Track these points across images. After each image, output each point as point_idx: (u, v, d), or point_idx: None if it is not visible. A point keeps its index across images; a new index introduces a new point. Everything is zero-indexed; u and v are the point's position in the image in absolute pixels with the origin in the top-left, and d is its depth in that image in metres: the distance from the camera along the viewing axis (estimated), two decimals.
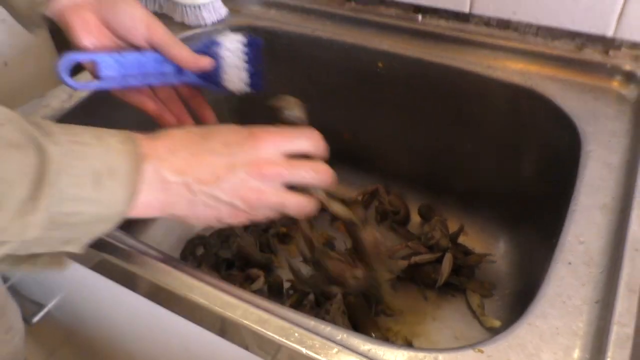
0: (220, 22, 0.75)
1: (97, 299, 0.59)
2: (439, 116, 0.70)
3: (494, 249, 0.70)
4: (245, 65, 0.53)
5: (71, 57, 0.46)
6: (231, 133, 0.39)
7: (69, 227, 0.33)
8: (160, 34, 0.47)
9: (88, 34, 0.46)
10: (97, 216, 0.33)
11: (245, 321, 0.38)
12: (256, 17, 0.76)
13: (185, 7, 0.73)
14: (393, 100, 0.72)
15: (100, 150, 0.33)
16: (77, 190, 0.32)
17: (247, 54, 0.52)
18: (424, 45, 0.67)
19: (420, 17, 0.69)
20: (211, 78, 0.52)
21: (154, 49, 0.48)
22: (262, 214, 0.40)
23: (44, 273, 0.49)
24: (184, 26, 0.74)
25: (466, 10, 0.65)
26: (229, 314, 0.38)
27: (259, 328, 0.37)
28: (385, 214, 0.75)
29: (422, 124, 0.72)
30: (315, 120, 0.80)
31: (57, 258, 0.38)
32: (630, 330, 0.35)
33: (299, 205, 0.40)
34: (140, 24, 0.47)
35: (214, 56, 0.51)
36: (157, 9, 0.76)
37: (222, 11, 0.76)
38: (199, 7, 0.73)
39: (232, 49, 0.51)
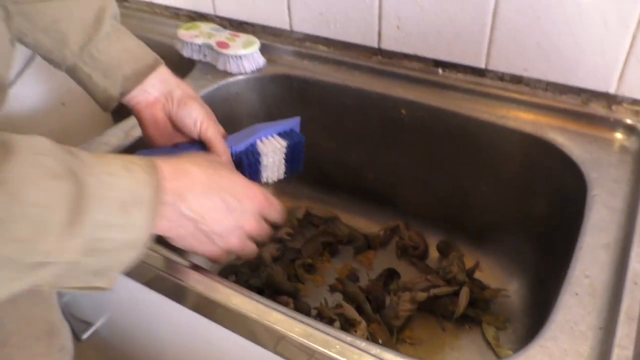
0: (258, 70, 0.83)
1: (145, 316, 0.64)
2: (457, 160, 0.76)
3: (508, 285, 0.75)
4: (284, 162, 0.61)
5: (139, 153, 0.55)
6: (239, 187, 0.49)
7: (102, 254, 0.37)
8: (210, 132, 0.57)
9: (155, 128, 0.58)
10: (125, 242, 0.38)
11: (291, 334, 0.44)
12: (291, 66, 0.84)
13: (228, 57, 0.81)
14: (414, 145, 0.79)
15: (128, 181, 0.38)
16: (109, 217, 0.36)
17: (287, 154, 0.61)
18: (443, 96, 0.74)
19: (440, 70, 0.76)
20: (250, 176, 0.60)
21: (202, 140, 0.58)
22: (228, 256, 0.50)
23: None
24: (226, 74, 0.82)
25: (482, 66, 0.73)
26: (278, 327, 0.44)
27: (306, 341, 0.43)
28: (406, 249, 0.81)
29: (441, 166, 0.78)
30: (342, 161, 0.87)
31: (108, 278, 0.44)
32: (629, 352, 0.41)
33: (252, 250, 0.52)
34: (197, 123, 0.57)
35: (255, 157, 0.59)
36: (202, 58, 0.85)
37: (261, 61, 0.84)
38: (241, 57, 0.81)
39: (273, 153, 0.60)
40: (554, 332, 0.44)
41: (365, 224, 0.86)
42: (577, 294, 0.47)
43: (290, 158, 0.62)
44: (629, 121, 0.64)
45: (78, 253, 0.35)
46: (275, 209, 0.52)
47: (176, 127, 0.59)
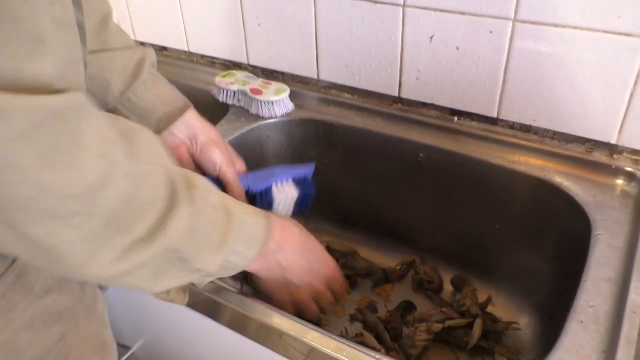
0: (287, 114, 0.91)
1: (183, 337, 0.69)
2: (470, 200, 0.82)
3: (519, 318, 0.79)
4: (293, 207, 0.69)
5: None
6: (321, 255, 0.61)
7: (223, 271, 0.47)
8: (229, 176, 0.66)
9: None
10: (235, 266, 0.48)
11: (327, 349, 0.49)
12: (317, 111, 0.92)
13: (261, 102, 0.89)
14: (431, 185, 0.85)
15: (255, 222, 0.49)
16: (239, 247, 0.47)
17: (297, 201, 0.69)
18: (458, 142, 0.81)
19: (456, 118, 0.83)
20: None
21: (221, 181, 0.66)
22: (293, 309, 0.61)
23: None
24: (258, 118, 0.90)
25: (495, 115, 0.80)
26: (315, 344, 0.50)
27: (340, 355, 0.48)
28: (421, 283, 0.86)
29: (455, 206, 0.84)
30: (362, 199, 0.93)
31: (184, 294, 0.52)
32: None
33: (314, 311, 0.63)
34: (216, 167, 0.66)
35: (269, 200, 0.67)
36: (236, 103, 0.93)
37: (290, 106, 0.92)
38: (272, 103, 0.89)
39: (285, 201, 0.69)
40: (562, 355, 0.49)
41: (383, 259, 0.92)
42: (582, 322, 0.52)
43: (299, 204, 0.70)
44: (629, 169, 0.70)
45: (216, 267, 0.45)
46: (341, 283, 0.63)
47: (199, 167, 0.67)
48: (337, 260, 0.91)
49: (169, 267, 0.41)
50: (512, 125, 0.79)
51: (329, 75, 0.93)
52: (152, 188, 0.38)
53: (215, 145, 0.66)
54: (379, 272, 0.89)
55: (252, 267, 0.52)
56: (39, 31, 0.31)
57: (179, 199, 0.40)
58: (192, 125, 0.66)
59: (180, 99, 0.67)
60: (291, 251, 0.55)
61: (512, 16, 0.71)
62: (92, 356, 0.59)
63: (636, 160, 0.71)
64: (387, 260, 0.91)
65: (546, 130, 0.77)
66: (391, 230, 0.93)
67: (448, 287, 0.86)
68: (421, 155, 0.83)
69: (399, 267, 0.89)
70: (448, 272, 0.87)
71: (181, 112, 0.66)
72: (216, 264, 0.45)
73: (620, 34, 0.65)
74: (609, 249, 0.60)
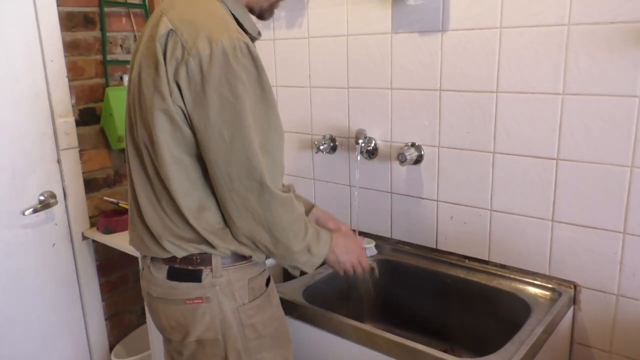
0: (372, 256, 1.63)
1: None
2: (471, 304, 1.46)
3: None
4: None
5: None
6: (355, 245, 1.28)
7: (314, 259, 1.15)
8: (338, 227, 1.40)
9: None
10: (314, 262, 1.16)
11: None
12: (389, 254, 1.64)
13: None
14: (451, 297, 1.50)
15: (326, 235, 1.18)
16: (318, 249, 1.15)
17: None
18: (467, 273, 1.49)
19: (467, 260, 1.52)
20: None
21: None
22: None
23: None
24: None
25: (487, 258, 1.48)
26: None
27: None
28: None
29: (464, 310, 1.48)
30: (413, 306, 1.59)
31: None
32: None
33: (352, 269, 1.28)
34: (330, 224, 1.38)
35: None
36: None
37: (375, 251, 1.64)
38: (366, 248, 1.62)
39: None
40: None
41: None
42: None
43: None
44: (552, 286, 1.35)
45: (310, 257, 1.14)
46: (365, 263, 1.29)
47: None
48: None
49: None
50: (496, 264, 1.47)
51: (397, 234, 1.66)
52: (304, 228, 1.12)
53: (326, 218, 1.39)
54: None
55: (328, 257, 1.18)
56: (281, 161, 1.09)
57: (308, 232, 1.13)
58: (317, 213, 1.38)
59: (309, 203, 1.41)
60: (342, 244, 1.22)
61: (489, 206, 1.44)
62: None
63: (558, 282, 1.36)
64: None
65: (513, 267, 1.44)
66: (424, 326, 1.56)
67: None
68: (447, 280, 1.51)
69: None
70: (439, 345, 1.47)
71: (311, 207, 1.39)
72: (312, 257, 1.13)
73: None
74: (541, 327, 1.23)
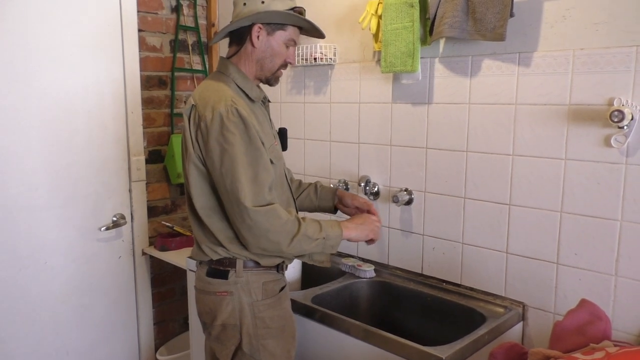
0: (371, 277, 2.02)
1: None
2: (441, 313, 1.82)
3: None
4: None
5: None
6: (370, 220, 1.63)
7: (330, 243, 1.52)
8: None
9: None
10: (329, 244, 1.52)
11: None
12: (385, 277, 2.02)
13: (360, 270, 2.02)
14: (429, 311, 1.87)
15: (330, 222, 1.54)
16: (331, 231, 1.52)
17: None
18: (445, 294, 1.85)
19: (444, 283, 1.90)
20: None
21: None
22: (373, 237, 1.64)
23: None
24: (358, 277, 2.02)
25: (459, 282, 1.85)
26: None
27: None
28: None
29: (431, 320, 1.84)
30: (398, 318, 1.96)
31: (327, 257, 1.61)
32: None
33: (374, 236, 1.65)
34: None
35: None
36: (347, 270, 2.08)
37: (373, 274, 2.03)
38: (366, 271, 2.01)
39: None
40: None
41: None
42: None
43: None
44: (506, 304, 1.70)
45: (319, 242, 1.50)
46: (376, 233, 1.63)
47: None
48: None
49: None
50: (466, 287, 1.84)
51: (393, 261, 2.06)
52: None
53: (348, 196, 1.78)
54: None
55: (344, 234, 1.52)
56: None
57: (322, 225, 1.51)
58: (340, 193, 1.79)
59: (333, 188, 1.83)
60: (353, 227, 1.55)
61: (461, 240, 1.83)
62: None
63: (510, 302, 1.71)
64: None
65: (479, 289, 1.80)
66: (410, 332, 1.92)
67: None
68: (428, 299, 1.88)
69: None
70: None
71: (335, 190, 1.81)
72: (327, 240, 1.48)
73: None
74: (486, 328, 1.59)
